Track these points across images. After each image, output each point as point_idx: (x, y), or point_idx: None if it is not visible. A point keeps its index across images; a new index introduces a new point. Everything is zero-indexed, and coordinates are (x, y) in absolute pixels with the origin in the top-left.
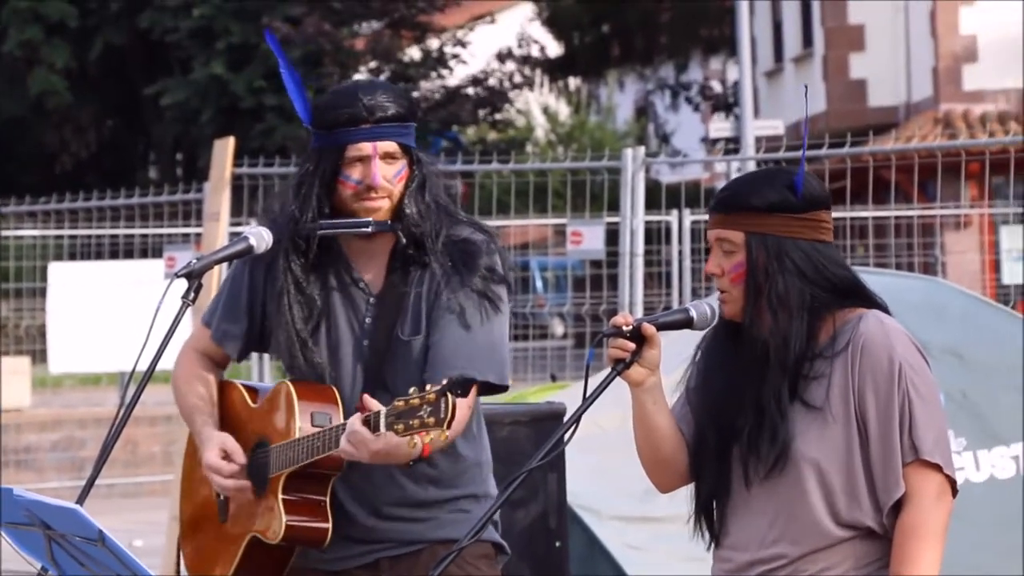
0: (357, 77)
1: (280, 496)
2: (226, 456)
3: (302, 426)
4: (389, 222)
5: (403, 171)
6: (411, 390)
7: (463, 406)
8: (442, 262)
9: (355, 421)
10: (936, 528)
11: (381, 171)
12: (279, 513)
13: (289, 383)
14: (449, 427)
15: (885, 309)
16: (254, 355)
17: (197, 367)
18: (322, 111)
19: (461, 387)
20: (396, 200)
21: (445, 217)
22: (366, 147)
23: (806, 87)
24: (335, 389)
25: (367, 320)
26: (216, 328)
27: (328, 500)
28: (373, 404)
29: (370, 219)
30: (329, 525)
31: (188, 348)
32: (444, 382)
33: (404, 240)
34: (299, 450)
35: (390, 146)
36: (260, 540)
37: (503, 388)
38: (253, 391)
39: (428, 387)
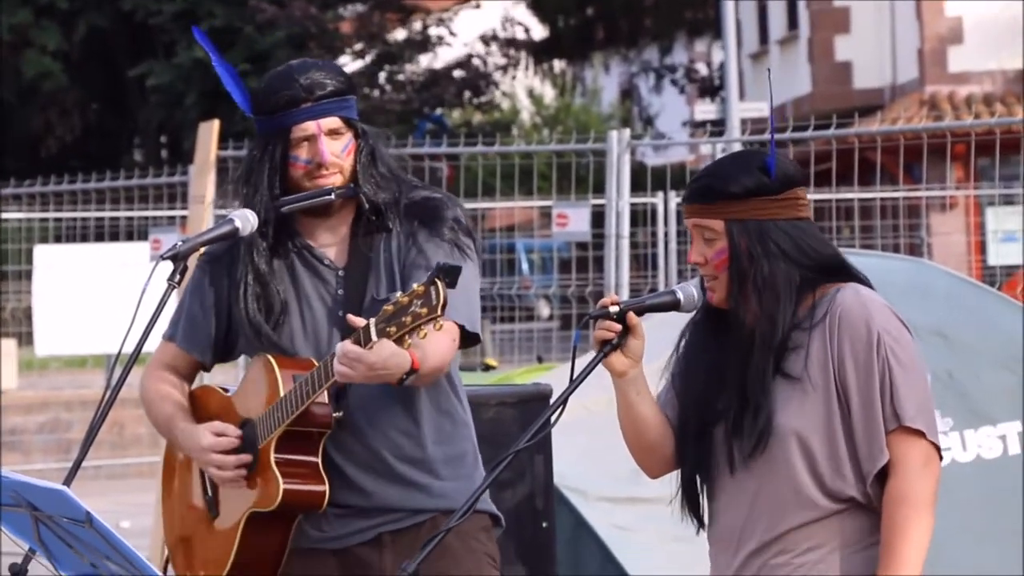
0: (342, 59)
1: (273, 460)
2: (221, 435)
3: (285, 388)
4: (352, 185)
5: (350, 145)
6: (397, 293)
7: (447, 342)
8: (407, 222)
9: (344, 343)
10: (925, 495)
11: (328, 147)
12: (275, 477)
13: (267, 355)
14: (443, 312)
15: (868, 284)
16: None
17: (164, 380)
18: (261, 97)
19: (448, 275)
20: (348, 174)
21: (401, 183)
22: (310, 126)
23: (768, 71)
24: (313, 360)
25: (339, 292)
26: (182, 337)
27: (320, 462)
28: (359, 320)
29: (331, 187)
30: (326, 487)
31: (152, 367)
32: (430, 272)
33: (367, 206)
34: (288, 404)
35: (333, 122)
36: (257, 517)
37: (474, 338)
38: (225, 389)
39: (414, 284)
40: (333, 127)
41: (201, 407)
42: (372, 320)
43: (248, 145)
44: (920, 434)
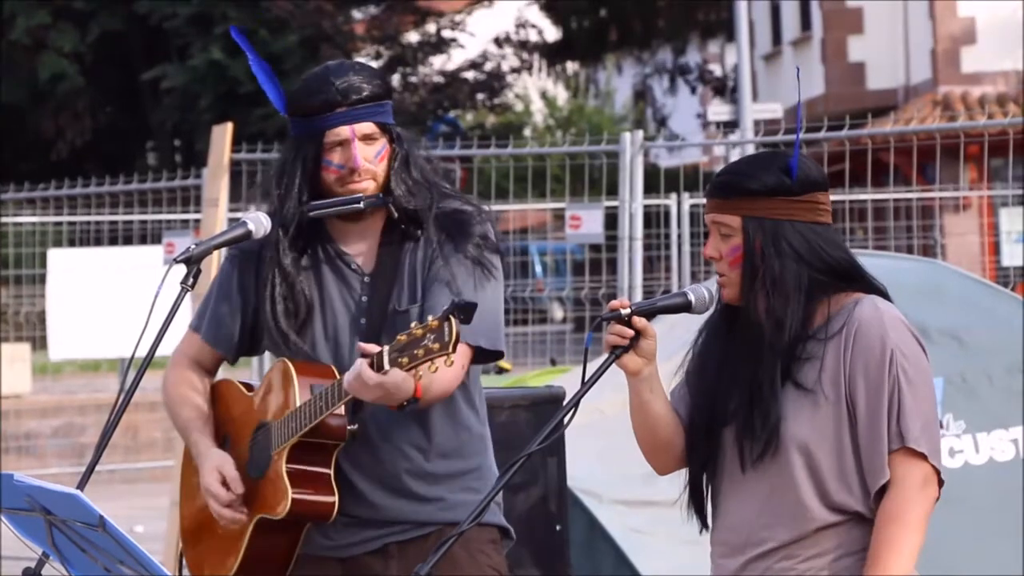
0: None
1: (284, 470)
2: (224, 483)
3: (302, 397)
4: (380, 196)
5: (384, 150)
6: (412, 324)
7: (454, 369)
8: (435, 233)
9: (360, 363)
10: (916, 517)
11: (361, 153)
12: (284, 487)
13: (287, 360)
14: (454, 350)
15: (884, 293)
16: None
17: (187, 377)
18: (297, 98)
19: (463, 311)
20: (382, 180)
21: (434, 190)
22: (344, 131)
23: (798, 69)
24: (333, 367)
25: (363, 299)
26: (207, 330)
27: (332, 473)
28: (372, 348)
29: (360, 195)
30: (335, 498)
31: (176, 359)
32: (445, 308)
33: (396, 215)
34: (302, 416)
35: (368, 127)
36: (266, 524)
37: (497, 354)
38: (248, 385)
39: (429, 317)
40: (367, 132)
41: (221, 403)
42: (386, 348)
43: (280, 147)
44: (922, 456)
